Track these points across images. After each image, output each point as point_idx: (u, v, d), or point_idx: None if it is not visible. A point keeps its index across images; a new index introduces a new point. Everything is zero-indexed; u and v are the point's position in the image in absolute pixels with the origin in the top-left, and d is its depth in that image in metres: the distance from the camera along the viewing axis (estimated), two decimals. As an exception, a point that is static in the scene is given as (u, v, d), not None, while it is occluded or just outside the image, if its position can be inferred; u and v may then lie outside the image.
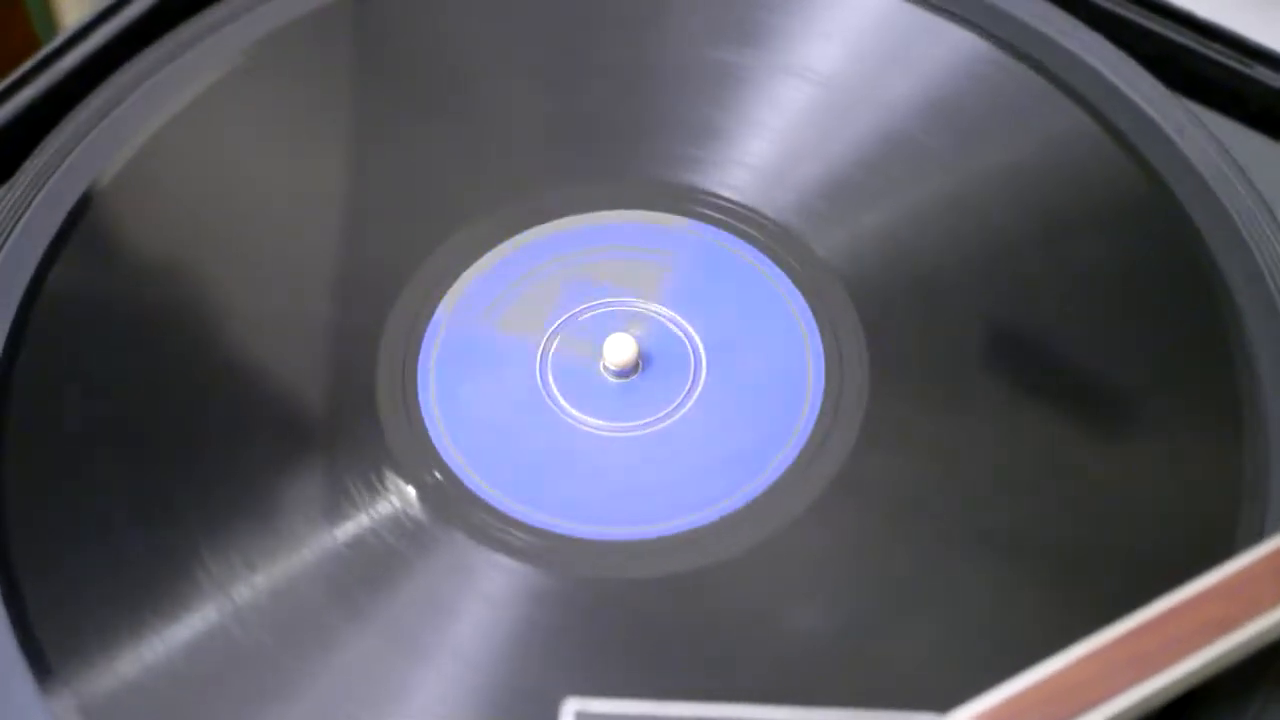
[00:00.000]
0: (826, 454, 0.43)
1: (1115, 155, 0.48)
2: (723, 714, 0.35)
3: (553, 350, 0.46)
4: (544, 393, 0.45)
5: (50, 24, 0.82)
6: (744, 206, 0.48)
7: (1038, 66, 0.50)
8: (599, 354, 0.45)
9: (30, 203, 0.48)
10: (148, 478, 0.43)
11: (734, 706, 0.35)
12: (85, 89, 0.51)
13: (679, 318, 0.46)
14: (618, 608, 0.41)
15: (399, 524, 0.42)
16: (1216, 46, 0.52)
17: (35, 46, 0.76)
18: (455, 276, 0.47)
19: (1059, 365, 0.45)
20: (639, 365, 0.45)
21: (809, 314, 0.46)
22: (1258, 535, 0.41)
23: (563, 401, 0.45)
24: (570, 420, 0.44)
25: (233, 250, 0.48)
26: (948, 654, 0.40)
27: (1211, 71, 0.52)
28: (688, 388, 0.45)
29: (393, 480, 0.43)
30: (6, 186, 0.49)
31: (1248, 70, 0.52)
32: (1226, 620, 0.36)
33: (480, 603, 0.41)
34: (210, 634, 0.40)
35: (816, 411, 0.44)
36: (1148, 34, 0.53)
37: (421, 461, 0.43)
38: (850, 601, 0.41)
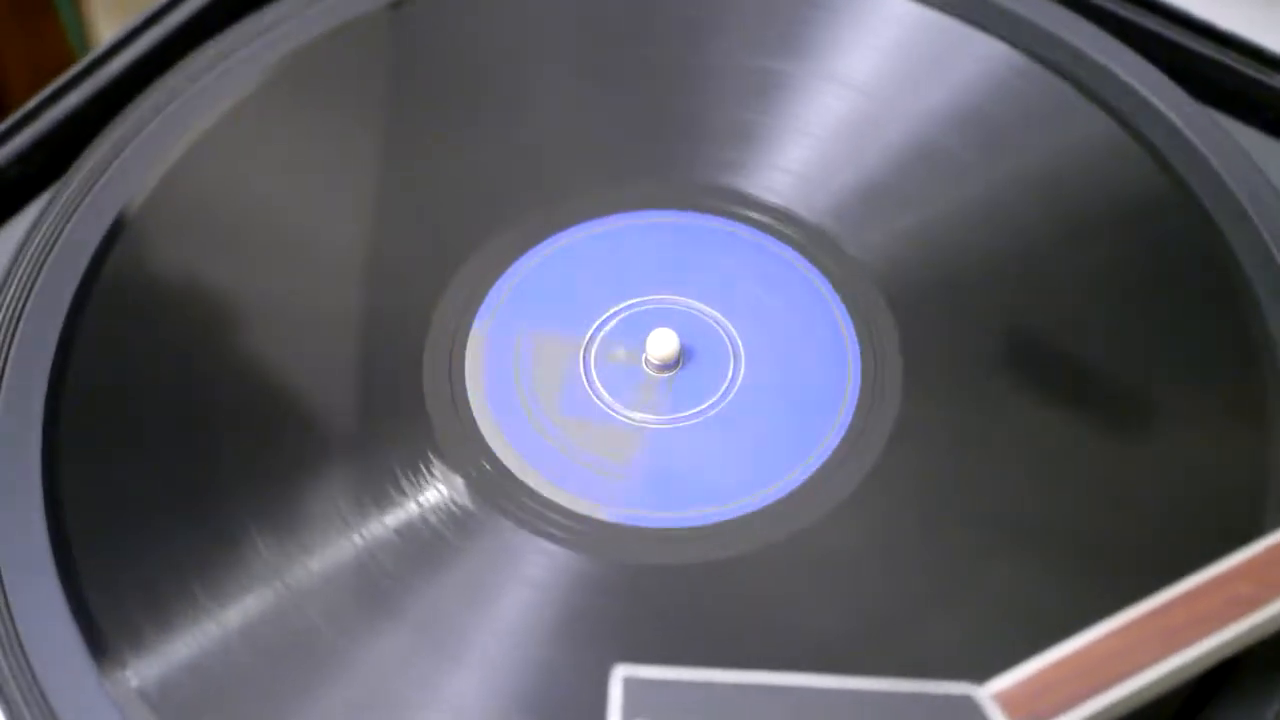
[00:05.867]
0: (862, 448, 0.44)
1: (1141, 161, 0.49)
2: (767, 681, 0.35)
3: (596, 345, 0.47)
4: (587, 385, 0.46)
5: (83, 38, 0.83)
6: (783, 210, 0.49)
7: (1065, 75, 0.51)
8: (642, 348, 0.46)
9: (80, 203, 0.48)
10: (202, 466, 0.43)
11: (778, 675, 0.35)
12: (126, 99, 0.52)
13: (720, 315, 0.47)
14: (660, 593, 0.42)
15: (447, 511, 0.43)
16: (1236, 56, 0.53)
17: (70, 59, 0.77)
18: (499, 273, 0.48)
19: (1088, 364, 0.46)
20: (681, 360, 0.46)
21: (845, 313, 0.47)
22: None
23: (606, 394, 0.46)
24: (613, 413, 0.45)
25: (280, 250, 0.49)
26: (981, 643, 0.40)
27: (1231, 80, 0.53)
28: (727, 382, 0.46)
29: (441, 469, 0.44)
30: (54, 189, 0.49)
31: (1267, 79, 0.52)
32: (1254, 598, 0.36)
33: (525, 587, 0.41)
34: (263, 616, 0.41)
35: (853, 407, 0.45)
36: (1168, 43, 0.53)
37: (469, 451, 0.44)
38: (887, 590, 0.42)
